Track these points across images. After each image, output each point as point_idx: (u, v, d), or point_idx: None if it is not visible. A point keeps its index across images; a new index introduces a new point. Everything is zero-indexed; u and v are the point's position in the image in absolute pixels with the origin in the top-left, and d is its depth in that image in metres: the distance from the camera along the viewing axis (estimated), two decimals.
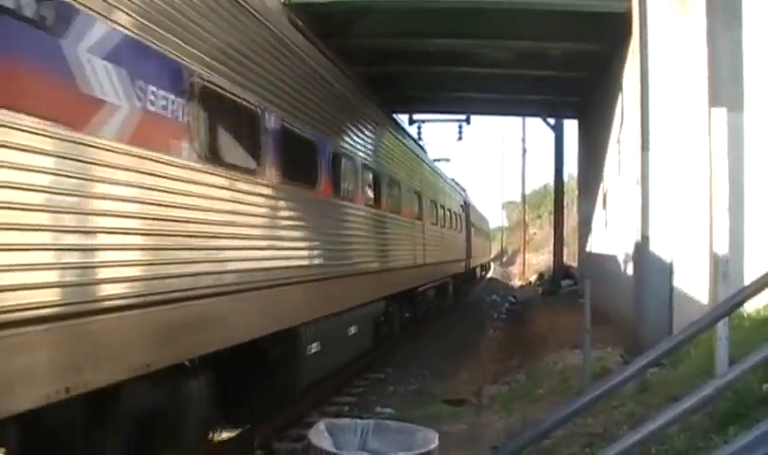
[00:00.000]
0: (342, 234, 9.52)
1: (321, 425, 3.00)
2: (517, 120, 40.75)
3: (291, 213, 7.49)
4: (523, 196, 48.13)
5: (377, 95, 14.22)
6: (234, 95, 6.09)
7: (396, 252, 13.63)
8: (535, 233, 72.18)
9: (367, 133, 11.52)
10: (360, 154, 10.75)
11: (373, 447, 2.97)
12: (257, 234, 6.49)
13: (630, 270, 11.01)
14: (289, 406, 8.87)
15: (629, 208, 11.69)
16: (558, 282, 25.75)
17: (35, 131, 3.65)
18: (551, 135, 27.36)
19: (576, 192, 27.05)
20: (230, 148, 6.31)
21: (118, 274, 4.35)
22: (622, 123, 14.03)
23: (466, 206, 29.07)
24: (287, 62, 7.54)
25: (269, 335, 6.67)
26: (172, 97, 5.01)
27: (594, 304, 9.13)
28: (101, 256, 4.21)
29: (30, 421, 3.87)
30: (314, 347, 7.94)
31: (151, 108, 4.75)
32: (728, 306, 4.07)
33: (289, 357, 7.39)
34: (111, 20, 4.32)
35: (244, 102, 6.32)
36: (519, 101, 23.57)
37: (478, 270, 37.75)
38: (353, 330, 10.03)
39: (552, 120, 26.73)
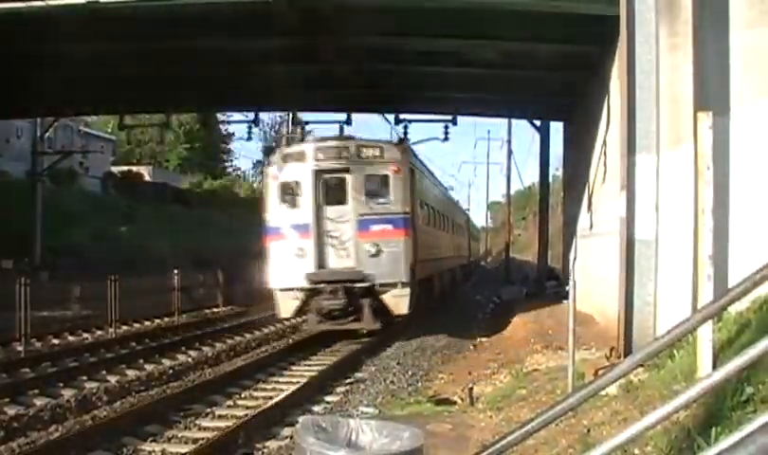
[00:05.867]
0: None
1: (307, 422, 2.99)
2: (504, 121, 40.77)
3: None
4: (508, 198, 48.25)
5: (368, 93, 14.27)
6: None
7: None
8: (519, 234, 72.42)
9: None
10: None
11: (358, 445, 2.96)
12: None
13: (614, 271, 11.04)
14: None
15: (614, 210, 11.73)
16: (543, 283, 25.81)
17: None
18: (537, 136, 27.43)
19: (562, 194, 27.12)
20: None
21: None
22: (608, 126, 14.08)
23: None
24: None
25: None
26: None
27: (580, 306, 9.16)
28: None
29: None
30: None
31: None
32: (713, 308, 4.08)
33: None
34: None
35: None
36: (505, 102, 23.62)
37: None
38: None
39: (538, 122, 26.80)
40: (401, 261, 16.98)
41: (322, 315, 17.05)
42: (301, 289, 16.96)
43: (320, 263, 17.01)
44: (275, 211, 17.51)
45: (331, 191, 17.25)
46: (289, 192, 17.39)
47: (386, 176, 17.22)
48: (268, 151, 43.12)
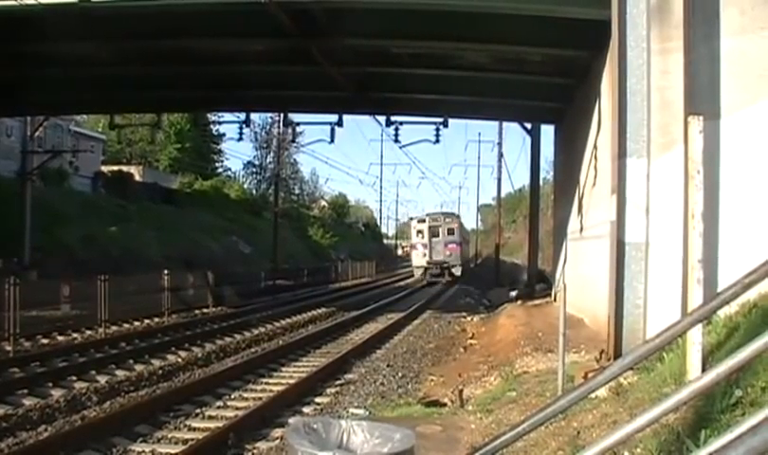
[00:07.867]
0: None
1: (298, 423, 2.99)
2: (495, 123, 41.23)
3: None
4: (499, 200, 48.43)
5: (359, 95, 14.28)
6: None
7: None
8: (509, 237, 72.55)
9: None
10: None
11: (349, 447, 2.96)
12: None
13: (605, 275, 11.09)
14: None
15: (604, 213, 11.77)
16: (533, 285, 25.86)
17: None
18: (528, 139, 27.47)
19: (552, 197, 27.17)
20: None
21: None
22: (599, 129, 14.11)
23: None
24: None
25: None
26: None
27: (570, 309, 9.18)
28: None
29: None
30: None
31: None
32: (702, 312, 4.10)
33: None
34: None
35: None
36: (496, 105, 23.57)
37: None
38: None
39: (528, 125, 26.84)
40: (459, 257, 45.61)
41: (431, 276, 44.34)
42: (424, 266, 45.17)
43: (431, 257, 44.65)
44: (414, 238, 46.61)
45: (434, 232, 44.97)
46: (419, 232, 45.67)
47: (453, 228, 45.87)
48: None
